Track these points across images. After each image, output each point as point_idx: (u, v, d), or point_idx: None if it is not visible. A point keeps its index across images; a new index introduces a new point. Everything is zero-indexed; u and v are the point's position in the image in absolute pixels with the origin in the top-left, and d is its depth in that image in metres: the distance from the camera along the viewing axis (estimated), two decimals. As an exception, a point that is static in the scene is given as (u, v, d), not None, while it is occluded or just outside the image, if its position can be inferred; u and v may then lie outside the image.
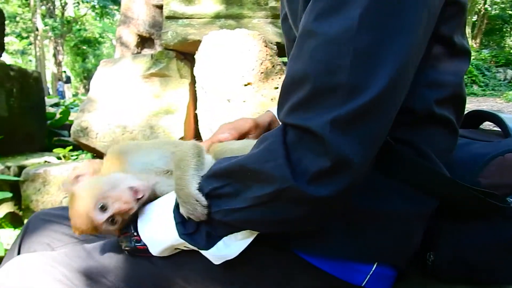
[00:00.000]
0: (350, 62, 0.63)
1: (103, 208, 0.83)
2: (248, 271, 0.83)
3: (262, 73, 2.41)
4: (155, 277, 0.84)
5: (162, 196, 0.86)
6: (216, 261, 0.79)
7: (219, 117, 2.45)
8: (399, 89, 0.68)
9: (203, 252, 0.78)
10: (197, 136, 2.88)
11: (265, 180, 0.69)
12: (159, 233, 0.81)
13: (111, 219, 0.83)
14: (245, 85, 2.41)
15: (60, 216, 1.12)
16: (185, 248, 0.82)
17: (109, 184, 0.85)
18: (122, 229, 0.86)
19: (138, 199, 0.84)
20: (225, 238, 0.77)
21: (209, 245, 0.77)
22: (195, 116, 2.76)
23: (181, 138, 2.73)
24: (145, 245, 0.82)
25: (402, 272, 0.87)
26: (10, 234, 2.56)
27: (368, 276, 0.82)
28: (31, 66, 27.74)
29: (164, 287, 0.84)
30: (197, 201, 0.76)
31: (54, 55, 27.15)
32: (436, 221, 0.88)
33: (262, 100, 2.41)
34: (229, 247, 0.77)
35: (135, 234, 0.83)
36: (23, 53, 30.78)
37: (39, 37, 25.35)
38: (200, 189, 0.78)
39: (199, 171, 0.83)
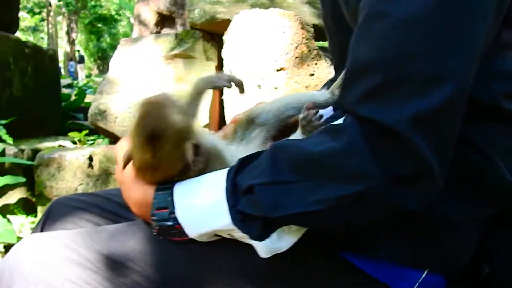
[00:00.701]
0: (427, 47, 0.63)
1: None
2: (287, 268, 0.83)
3: (296, 58, 2.40)
4: (188, 265, 0.83)
5: (210, 173, 0.83)
6: (265, 254, 0.78)
7: (247, 104, 2.45)
8: (472, 78, 0.67)
9: (253, 242, 0.77)
10: (223, 124, 2.90)
11: (346, 178, 0.67)
12: (204, 215, 0.79)
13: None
14: (278, 70, 2.41)
15: (85, 202, 1.12)
16: (227, 236, 0.80)
17: None
18: (155, 203, 0.82)
19: None
20: (279, 229, 0.76)
21: (263, 236, 0.75)
22: (221, 102, 2.78)
23: (205, 126, 2.76)
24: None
25: (453, 282, 0.87)
26: (22, 221, 2.64)
27: (417, 283, 0.81)
28: (43, 44, 28.27)
29: (196, 277, 0.83)
30: None
31: (67, 33, 27.66)
32: (494, 230, 0.87)
33: (296, 88, 2.40)
34: (282, 239, 0.77)
35: (175, 211, 0.80)
36: (34, 29, 31.45)
37: (52, 13, 25.85)
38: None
39: None
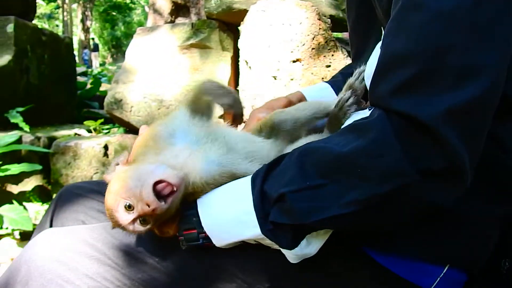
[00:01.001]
0: (463, 40, 0.62)
1: (129, 208, 0.78)
2: (308, 265, 0.82)
3: (313, 49, 2.38)
4: (208, 261, 0.84)
5: (231, 184, 0.83)
6: (295, 260, 0.78)
7: (263, 95, 2.44)
8: (505, 73, 0.66)
9: (283, 250, 0.77)
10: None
11: (378, 177, 0.67)
12: (233, 228, 0.79)
13: (140, 220, 0.78)
14: (294, 61, 2.39)
15: (94, 191, 1.13)
16: (253, 242, 0.81)
17: (135, 178, 0.79)
18: (182, 225, 0.82)
19: (167, 196, 0.77)
20: (308, 236, 0.76)
21: (294, 245, 0.75)
22: (237, 93, 2.77)
23: (220, 117, 2.76)
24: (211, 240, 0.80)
25: (473, 278, 0.86)
26: (37, 209, 2.67)
27: (438, 279, 0.81)
28: (58, 32, 28.42)
29: (216, 274, 0.84)
30: None
31: (82, 21, 27.76)
32: None
33: (312, 79, 2.39)
34: (310, 245, 0.77)
35: (204, 231, 0.80)
36: (50, 17, 31.60)
37: (67, 1, 25.95)
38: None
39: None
